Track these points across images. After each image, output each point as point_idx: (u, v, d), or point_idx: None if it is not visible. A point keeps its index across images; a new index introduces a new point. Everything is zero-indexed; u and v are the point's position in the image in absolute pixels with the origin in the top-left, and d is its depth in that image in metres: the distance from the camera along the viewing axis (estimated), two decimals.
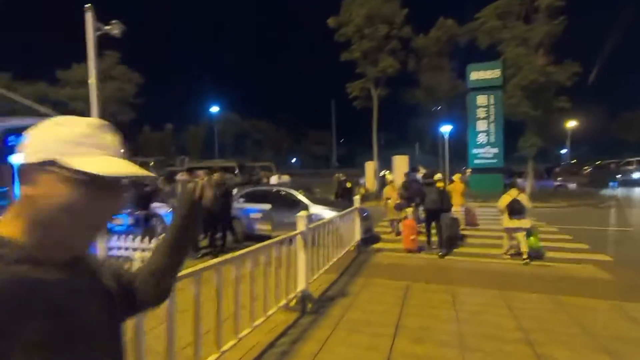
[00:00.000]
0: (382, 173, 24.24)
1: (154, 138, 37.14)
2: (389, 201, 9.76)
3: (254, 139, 59.22)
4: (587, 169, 23.61)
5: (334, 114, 58.39)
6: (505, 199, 6.54)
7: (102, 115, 20.50)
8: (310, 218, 8.02)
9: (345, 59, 18.69)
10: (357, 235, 7.32)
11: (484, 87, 17.03)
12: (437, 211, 7.33)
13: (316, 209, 8.32)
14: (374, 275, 5.76)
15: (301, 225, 4.26)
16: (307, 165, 73.42)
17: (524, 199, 6.57)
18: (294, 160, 73.85)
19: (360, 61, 18.35)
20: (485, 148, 17.23)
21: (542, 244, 7.56)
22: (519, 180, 18.92)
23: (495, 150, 17.11)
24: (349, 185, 13.01)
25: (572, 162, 52.47)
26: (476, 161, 17.49)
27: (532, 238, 6.67)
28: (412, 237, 7.59)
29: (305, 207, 8.38)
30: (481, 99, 17.15)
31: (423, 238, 7.96)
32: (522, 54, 14.62)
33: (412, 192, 8.73)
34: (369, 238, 8.65)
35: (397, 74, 19.43)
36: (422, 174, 11.41)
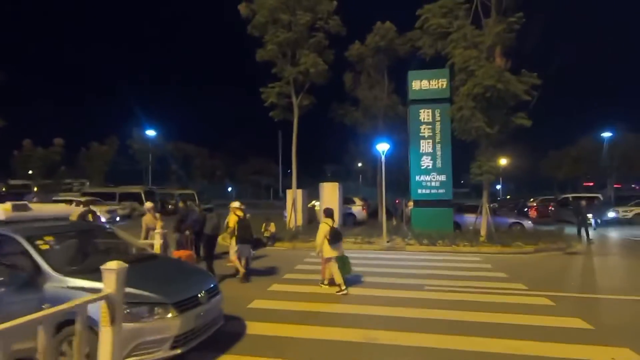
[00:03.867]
0: (310, 204, 19.96)
1: (36, 155, 29.50)
2: (153, 232, 7.41)
3: (179, 163, 52.47)
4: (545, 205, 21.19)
5: (280, 142, 54.02)
6: (325, 228, 6.61)
7: None
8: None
9: (262, 59, 14.53)
10: None
11: (429, 100, 13.75)
12: (214, 238, 7.72)
13: (58, 284, 3.40)
14: None
15: None
16: (245, 195, 67.67)
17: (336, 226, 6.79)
18: (229, 189, 67.80)
19: (277, 59, 14.27)
20: (430, 175, 13.65)
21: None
22: (470, 216, 15.62)
23: (443, 177, 13.60)
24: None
25: (507, 198, 53.25)
26: (420, 191, 13.79)
27: (347, 265, 6.77)
28: None
29: (34, 277, 3.44)
30: (425, 114, 13.77)
31: None
32: (473, 56, 11.53)
33: (189, 223, 8.38)
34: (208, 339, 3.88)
35: (328, 83, 15.67)
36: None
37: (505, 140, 13.22)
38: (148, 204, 8.51)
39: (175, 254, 6.70)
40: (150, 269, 4.06)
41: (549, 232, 13.41)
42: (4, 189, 31.25)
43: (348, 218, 18.16)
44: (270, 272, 8.39)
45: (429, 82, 13.79)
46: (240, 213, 7.77)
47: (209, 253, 7.56)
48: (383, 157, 12.63)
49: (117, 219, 22.46)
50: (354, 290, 6.72)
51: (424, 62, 14.74)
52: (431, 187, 13.65)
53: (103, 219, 22.00)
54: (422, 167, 13.74)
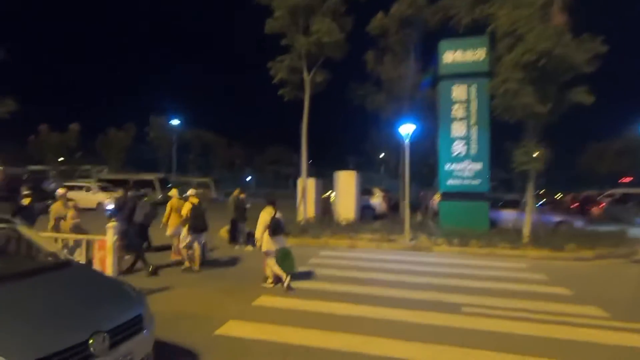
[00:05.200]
0: (325, 194, 18.31)
1: (52, 140, 29.26)
2: (64, 222, 6.80)
3: (198, 152, 51.96)
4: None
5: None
6: (266, 217, 5.97)
7: None
8: None
9: (272, 31, 12.83)
10: None
11: (463, 74, 11.65)
12: (146, 227, 7.30)
13: None
14: None
15: None
16: (265, 184, 67.16)
17: (280, 216, 6.16)
18: (248, 178, 67.30)
19: (288, 30, 12.51)
20: (463, 163, 11.61)
21: None
22: (508, 213, 13.52)
23: (479, 166, 11.53)
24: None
25: (541, 193, 49.51)
26: (450, 182, 11.79)
27: (289, 260, 6.01)
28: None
29: None
30: (459, 91, 11.69)
31: None
32: (523, 16, 9.36)
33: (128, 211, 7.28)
34: None
35: (346, 60, 13.83)
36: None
37: (556, 123, 10.96)
38: (60, 190, 7.39)
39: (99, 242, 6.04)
40: (23, 292, 2.51)
41: (607, 233, 11.15)
42: (26, 176, 31.45)
43: (366, 211, 16.39)
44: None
45: (464, 53, 11.66)
46: (194, 200, 7.19)
47: (139, 244, 6.95)
48: (407, 141, 10.73)
49: None
50: (364, 311, 5.02)
51: (457, 36, 12.62)
52: (464, 177, 11.63)
53: (112, 206, 21.34)
54: (454, 154, 11.72)
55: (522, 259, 9.00)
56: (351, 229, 11.97)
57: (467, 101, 11.62)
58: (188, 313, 4.75)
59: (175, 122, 39.57)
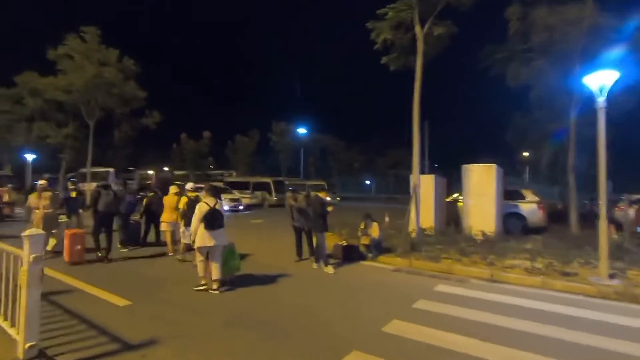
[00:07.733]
0: (450, 197, 14.03)
1: (188, 147, 32.71)
2: (38, 211, 7.10)
3: (317, 156, 52.28)
4: None
5: (426, 133, 46.68)
6: (204, 208, 5.28)
7: (87, 104, 14.13)
8: None
9: None
10: None
11: None
12: (109, 215, 7.39)
13: None
14: None
15: None
16: (386, 189, 63.83)
17: (220, 208, 5.34)
18: (367, 182, 64.92)
19: None
20: None
21: None
22: None
23: None
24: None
25: None
26: None
27: (233, 259, 5.60)
28: (78, 247, 6.76)
29: None
30: None
31: None
32: None
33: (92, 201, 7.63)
34: None
35: (475, 9, 9.79)
36: None
37: None
38: (40, 182, 7.71)
39: (68, 232, 6.72)
40: None
41: None
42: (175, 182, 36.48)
43: (511, 220, 11.55)
44: (331, 330, 3.78)
45: None
46: (192, 194, 7.25)
47: (97, 230, 7.29)
48: (602, 100, 6.03)
49: (241, 207, 22.36)
50: None
51: None
52: None
53: (226, 207, 21.88)
54: None
55: None
56: (491, 248, 7.83)
57: None
58: None
59: (302, 130, 40.46)
